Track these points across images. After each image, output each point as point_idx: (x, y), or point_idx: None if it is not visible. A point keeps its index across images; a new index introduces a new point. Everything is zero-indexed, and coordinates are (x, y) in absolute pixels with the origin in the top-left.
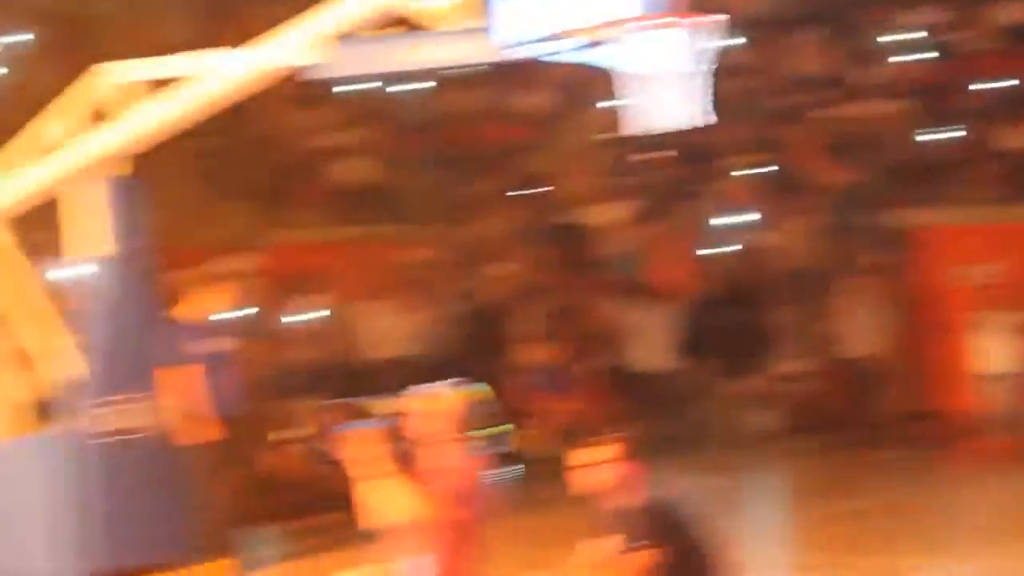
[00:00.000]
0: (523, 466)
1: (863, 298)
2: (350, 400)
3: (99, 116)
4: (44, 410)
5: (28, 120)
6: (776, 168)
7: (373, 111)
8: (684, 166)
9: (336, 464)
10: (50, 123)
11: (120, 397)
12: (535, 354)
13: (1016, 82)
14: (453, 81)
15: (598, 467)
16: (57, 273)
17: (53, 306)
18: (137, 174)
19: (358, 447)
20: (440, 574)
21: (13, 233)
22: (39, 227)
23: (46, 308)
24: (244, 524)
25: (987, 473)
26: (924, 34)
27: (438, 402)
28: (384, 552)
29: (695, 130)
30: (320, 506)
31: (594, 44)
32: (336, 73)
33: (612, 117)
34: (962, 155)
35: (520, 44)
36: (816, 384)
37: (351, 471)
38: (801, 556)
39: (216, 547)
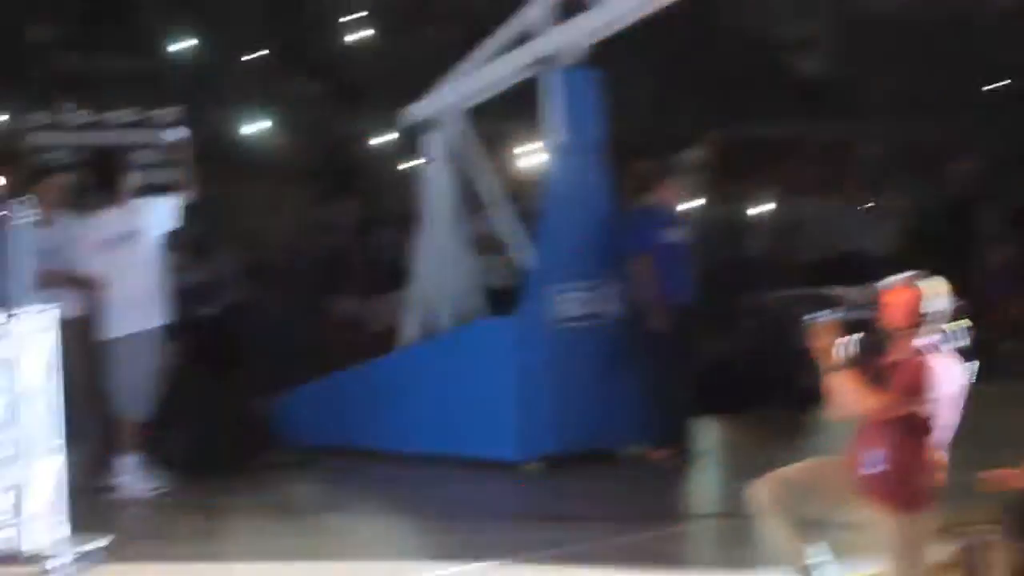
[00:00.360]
0: (978, 363)
1: None
2: (809, 292)
3: (571, 7)
4: (508, 294)
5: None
6: None
7: (833, 4)
8: None
9: (798, 355)
10: (528, 11)
11: (580, 284)
12: (996, 252)
13: None
14: None
15: None
16: (518, 160)
17: (515, 193)
18: (600, 64)
19: (823, 337)
20: (894, 468)
21: (477, 122)
22: (503, 117)
23: (508, 196)
24: (693, 413)
25: None
26: None
27: (900, 294)
28: (840, 444)
29: None
30: (767, 398)
31: None
32: None
33: None
34: None
35: None
36: None
37: (817, 361)
38: None
39: (667, 435)
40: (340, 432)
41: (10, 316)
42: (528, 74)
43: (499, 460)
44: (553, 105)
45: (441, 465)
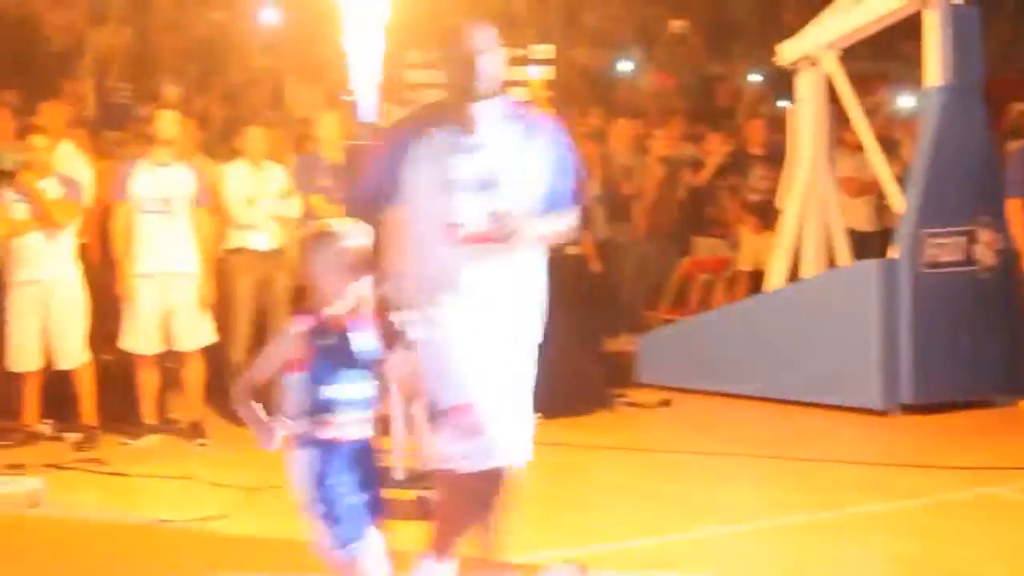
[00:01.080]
0: None
1: None
2: None
3: None
4: (875, 238)
5: None
6: None
7: None
8: None
9: None
10: None
11: (954, 229)
12: None
13: None
14: None
15: None
16: (901, 102)
17: (886, 135)
18: (972, 1)
19: None
20: None
21: (839, 63)
22: (874, 57)
23: (879, 138)
24: None
25: None
26: None
27: None
28: None
29: None
30: None
31: None
32: None
33: None
34: None
35: None
36: None
37: None
38: None
39: None
40: (701, 374)
41: None
42: (909, 12)
43: (861, 407)
44: (935, 43)
45: (802, 410)
